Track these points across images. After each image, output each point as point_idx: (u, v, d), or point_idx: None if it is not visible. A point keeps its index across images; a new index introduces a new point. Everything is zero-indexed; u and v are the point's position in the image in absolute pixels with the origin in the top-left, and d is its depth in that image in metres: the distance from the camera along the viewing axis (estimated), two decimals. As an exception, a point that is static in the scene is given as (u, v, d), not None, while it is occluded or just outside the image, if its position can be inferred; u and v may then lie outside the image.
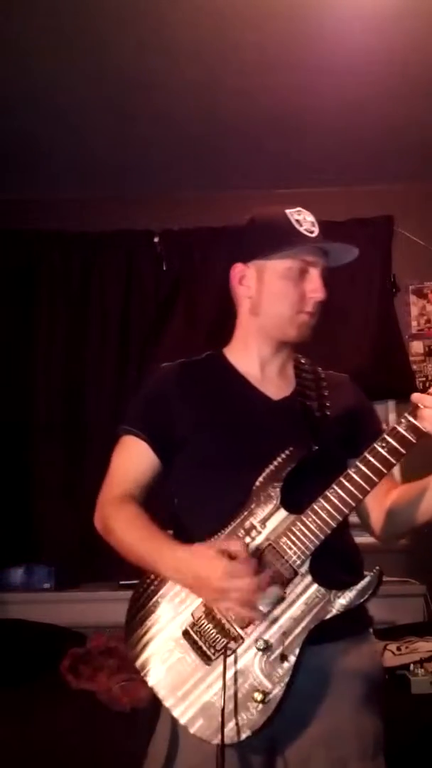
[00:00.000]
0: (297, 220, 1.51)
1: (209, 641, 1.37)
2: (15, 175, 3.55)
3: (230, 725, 1.32)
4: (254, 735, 1.32)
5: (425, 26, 2.58)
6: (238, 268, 1.57)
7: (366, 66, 2.79)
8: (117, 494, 1.52)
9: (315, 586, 1.36)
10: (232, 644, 1.36)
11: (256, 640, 1.35)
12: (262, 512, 1.41)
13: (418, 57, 2.76)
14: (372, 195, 3.68)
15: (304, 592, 1.36)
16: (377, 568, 1.37)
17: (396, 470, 1.63)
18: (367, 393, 1.71)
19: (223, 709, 1.31)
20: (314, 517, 1.37)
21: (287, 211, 1.52)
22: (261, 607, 1.33)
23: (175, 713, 1.36)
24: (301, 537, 1.37)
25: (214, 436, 1.51)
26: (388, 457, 1.35)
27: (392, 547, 3.03)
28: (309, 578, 1.37)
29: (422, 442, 1.36)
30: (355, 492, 1.36)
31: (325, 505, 1.37)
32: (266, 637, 1.35)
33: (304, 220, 1.52)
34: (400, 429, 1.35)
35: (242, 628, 1.36)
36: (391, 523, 1.54)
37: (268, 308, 1.54)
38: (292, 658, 1.33)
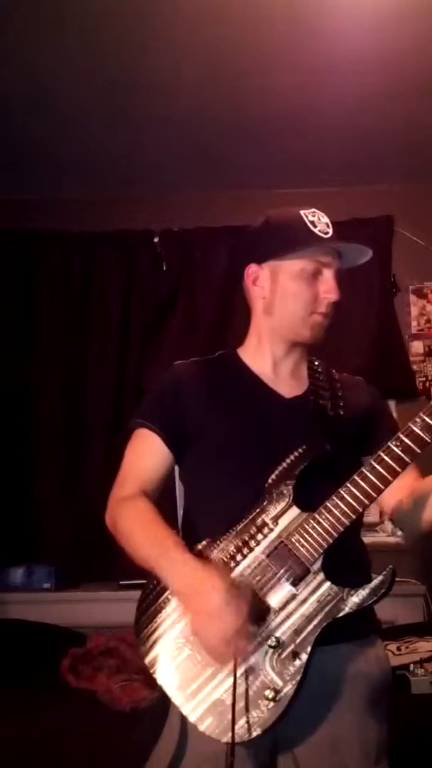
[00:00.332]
0: (312, 221, 1.51)
1: None
2: (15, 175, 3.54)
3: (241, 723, 1.31)
4: (264, 733, 1.32)
5: (425, 26, 2.58)
6: (252, 269, 1.57)
7: (366, 66, 2.78)
8: (128, 492, 1.51)
9: (328, 583, 1.36)
10: None
11: (268, 638, 1.35)
12: (274, 510, 1.41)
13: (417, 57, 2.76)
14: (372, 195, 3.68)
15: (317, 590, 1.36)
16: (390, 567, 1.36)
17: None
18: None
19: (233, 706, 1.30)
20: (327, 515, 1.37)
21: (302, 211, 1.52)
22: (271, 603, 1.32)
23: (185, 711, 1.36)
24: (314, 534, 1.37)
25: (226, 433, 1.51)
26: (403, 455, 1.36)
27: (393, 547, 3.04)
28: (321, 576, 1.37)
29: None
30: (369, 490, 1.36)
31: (339, 503, 1.37)
32: (278, 634, 1.35)
33: (319, 221, 1.52)
34: (415, 428, 1.36)
35: (253, 625, 1.35)
36: (409, 518, 1.53)
37: (282, 308, 1.54)
38: (304, 656, 1.33)
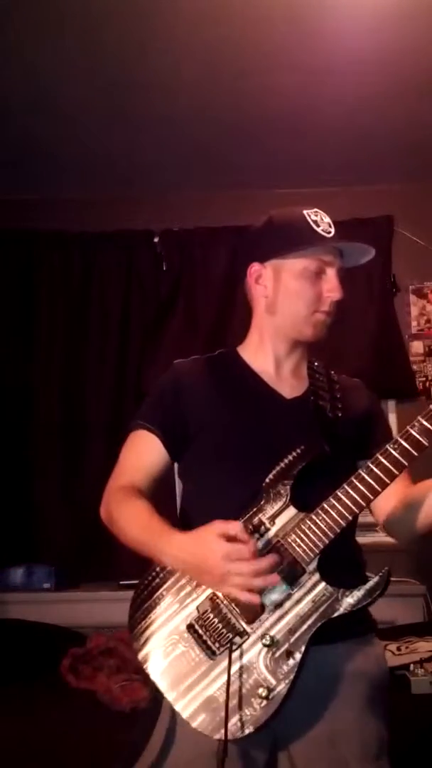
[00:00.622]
0: (314, 221, 1.52)
1: (214, 635, 1.37)
2: (15, 175, 3.55)
3: (233, 720, 1.31)
4: (257, 731, 1.32)
5: (425, 26, 2.58)
6: (254, 267, 1.57)
7: (366, 66, 2.79)
8: (123, 484, 1.52)
9: (323, 584, 1.36)
10: (237, 639, 1.36)
11: (262, 636, 1.35)
12: (271, 509, 1.41)
13: (417, 57, 2.76)
14: (372, 195, 3.69)
15: (312, 590, 1.36)
16: (386, 568, 1.37)
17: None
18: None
19: (226, 704, 1.30)
20: (324, 515, 1.37)
21: (305, 211, 1.53)
22: (266, 602, 1.33)
23: (177, 707, 1.36)
24: (310, 535, 1.37)
25: (225, 431, 1.51)
26: (400, 458, 1.35)
27: (392, 547, 3.04)
28: (317, 576, 1.37)
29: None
30: (366, 492, 1.36)
31: (336, 504, 1.37)
32: (272, 633, 1.35)
33: (321, 220, 1.53)
34: (413, 432, 1.36)
35: (248, 623, 1.36)
36: (402, 523, 1.53)
37: (285, 307, 1.55)
38: (298, 656, 1.33)
